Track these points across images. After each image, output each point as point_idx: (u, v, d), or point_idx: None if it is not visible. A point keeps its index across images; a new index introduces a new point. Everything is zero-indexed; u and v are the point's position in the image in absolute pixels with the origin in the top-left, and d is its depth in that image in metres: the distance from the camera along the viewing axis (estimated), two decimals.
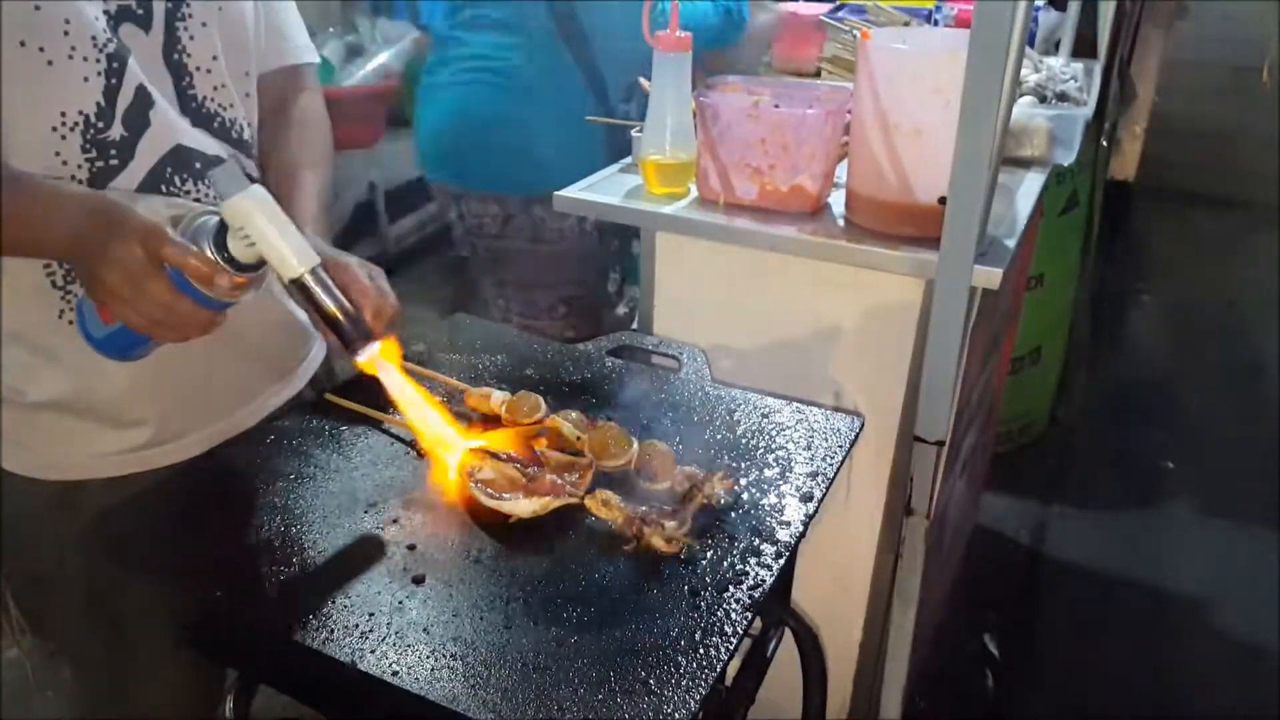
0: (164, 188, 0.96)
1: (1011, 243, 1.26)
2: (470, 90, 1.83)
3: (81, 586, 1.04)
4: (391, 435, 1.02)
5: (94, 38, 0.88)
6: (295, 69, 1.13)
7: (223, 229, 0.78)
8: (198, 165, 0.98)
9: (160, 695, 1.18)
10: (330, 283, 0.81)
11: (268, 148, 1.10)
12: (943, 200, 1.15)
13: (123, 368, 0.97)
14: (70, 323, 0.95)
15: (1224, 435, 2.79)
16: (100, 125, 0.90)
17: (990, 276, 1.18)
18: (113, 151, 0.92)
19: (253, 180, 0.81)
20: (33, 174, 0.88)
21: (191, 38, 0.97)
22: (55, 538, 1.03)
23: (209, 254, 0.78)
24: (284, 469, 0.96)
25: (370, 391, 1.08)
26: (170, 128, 0.95)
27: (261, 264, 0.80)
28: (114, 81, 0.90)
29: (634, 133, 1.48)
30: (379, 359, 0.87)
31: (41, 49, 0.85)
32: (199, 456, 1.04)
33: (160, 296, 0.77)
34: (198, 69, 0.98)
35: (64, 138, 0.89)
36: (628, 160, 1.55)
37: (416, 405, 0.93)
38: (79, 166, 0.90)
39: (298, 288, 0.80)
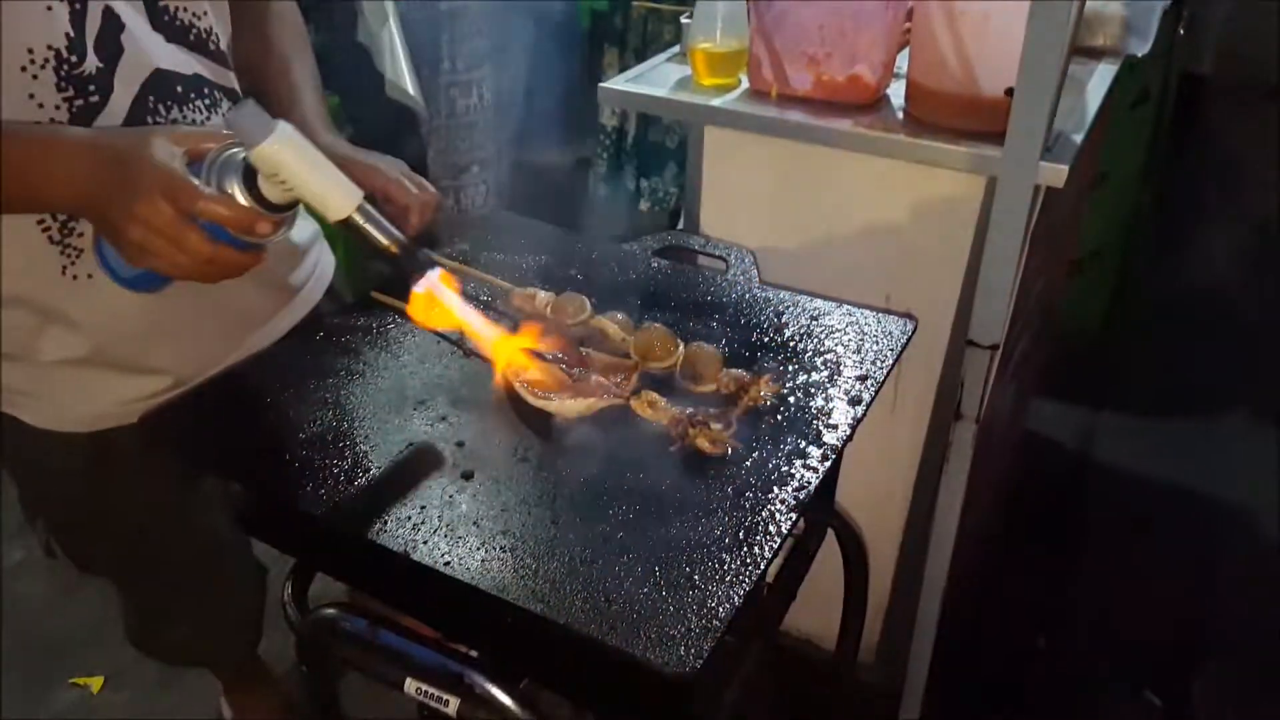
0: (149, 119, 0.89)
1: (1079, 138, 1.21)
2: None
3: (125, 525, 1.06)
4: (438, 334, 1.03)
5: None
6: None
7: (251, 170, 0.74)
8: (179, 89, 0.92)
9: (210, 601, 1.24)
10: (378, 215, 0.78)
11: (245, 51, 1.01)
12: (1009, 92, 1.10)
13: (136, 319, 0.95)
14: (75, 278, 0.91)
15: None
16: (73, 60, 0.83)
17: (1056, 174, 1.14)
18: (91, 87, 0.85)
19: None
20: (24, 122, 0.81)
21: None
22: (90, 485, 1.03)
23: (242, 201, 0.74)
24: (333, 366, 0.97)
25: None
26: (143, 51, 0.88)
27: (297, 203, 0.77)
28: (78, 6, 0.82)
29: (684, 19, 1.43)
30: (438, 285, 0.84)
31: None
32: (250, 357, 1.05)
33: (198, 251, 0.73)
34: None
35: (35, 77, 0.81)
36: (676, 50, 1.50)
37: (480, 326, 0.90)
38: (56, 108, 0.83)
39: (346, 227, 0.77)
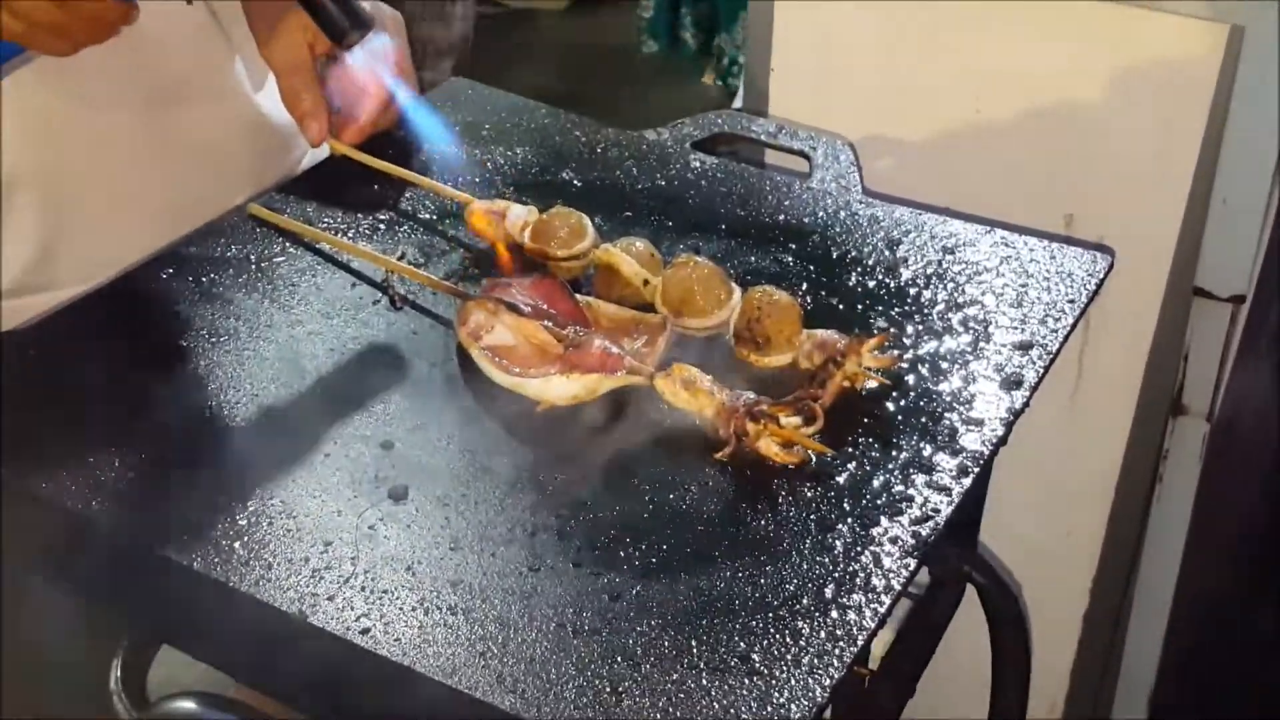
0: None
1: None
2: None
3: None
4: (352, 272, 1.03)
5: None
6: None
7: None
8: None
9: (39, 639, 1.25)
10: None
11: None
12: None
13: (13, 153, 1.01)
14: None
15: None
16: None
17: None
18: None
19: None
20: None
21: None
22: None
23: None
24: (192, 320, 0.98)
25: (325, 201, 1.10)
26: None
27: None
28: None
29: None
30: (375, 55, 0.92)
31: None
32: (70, 303, 1.06)
33: None
34: None
35: None
36: None
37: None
38: None
39: None
